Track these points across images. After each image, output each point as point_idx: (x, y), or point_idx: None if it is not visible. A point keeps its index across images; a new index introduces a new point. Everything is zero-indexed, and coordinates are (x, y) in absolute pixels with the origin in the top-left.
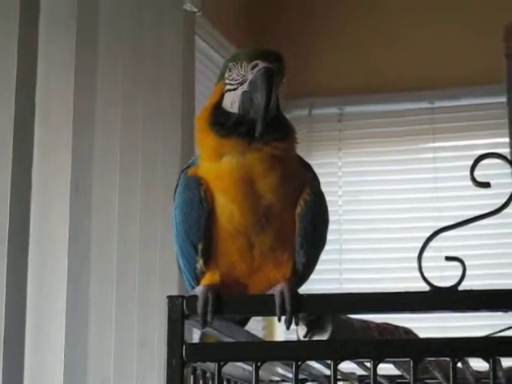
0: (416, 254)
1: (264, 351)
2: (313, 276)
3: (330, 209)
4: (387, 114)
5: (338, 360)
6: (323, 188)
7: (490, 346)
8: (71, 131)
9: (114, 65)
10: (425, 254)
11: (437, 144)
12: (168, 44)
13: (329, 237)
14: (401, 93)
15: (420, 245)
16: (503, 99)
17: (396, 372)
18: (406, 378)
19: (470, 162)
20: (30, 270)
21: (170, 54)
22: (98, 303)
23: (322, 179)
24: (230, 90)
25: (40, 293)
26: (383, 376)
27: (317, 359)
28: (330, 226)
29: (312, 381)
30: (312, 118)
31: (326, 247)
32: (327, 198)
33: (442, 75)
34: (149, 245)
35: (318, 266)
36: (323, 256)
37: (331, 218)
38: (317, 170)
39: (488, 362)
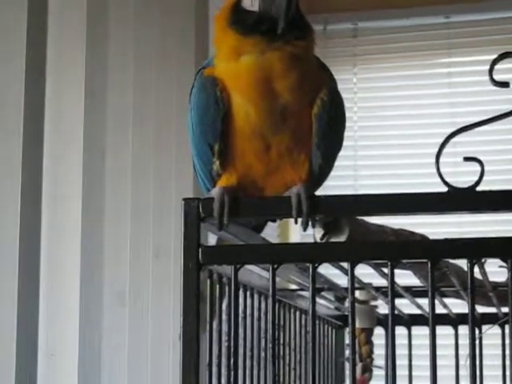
0: (431, 163)
1: (280, 253)
2: (327, 183)
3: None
4: (402, 29)
5: (355, 261)
6: None
7: (508, 246)
8: (84, 47)
9: None
10: (441, 159)
11: (452, 59)
12: None
13: (344, 153)
14: (416, 7)
15: (436, 151)
16: None
17: (412, 282)
18: (421, 287)
19: (486, 78)
20: (45, 179)
21: None
22: (112, 213)
23: None
24: None
25: (54, 205)
26: (401, 288)
27: (334, 261)
28: (345, 143)
29: (329, 289)
30: (327, 34)
31: (342, 163)
32: None
33: None
34: (164, 150)
35: (333, 174)
36: (339, 169)
37: (346, 133)
38: None
39: (506, 262)
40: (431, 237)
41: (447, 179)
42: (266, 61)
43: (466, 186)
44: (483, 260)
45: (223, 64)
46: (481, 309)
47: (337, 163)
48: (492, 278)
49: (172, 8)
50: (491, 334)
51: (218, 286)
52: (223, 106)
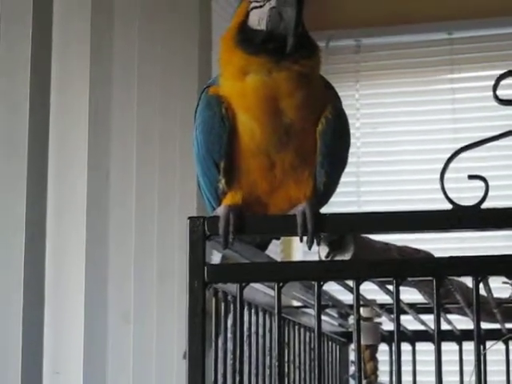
0: (434, 179)
1: (286, 271)
2: (330, 199)
3: None
4: (405, 45)
5: (361, 279)
6: None
7: None
8: (89, 64)
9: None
10: (445, 176)
11: (455, 75)
12: None
13: (347, 169)
14: (419, 24)
15: (439, 168)
16: None
17: (415, 298)
18: (425, 304)
19: (489, 93)
20: (49, 196)
21: None
22: (117, 232)
23: None
24: (256, 8)
25: (59, 224)
26: (405, 304)
27: (339, 279)
28: (349, 159)
29: (333, 306)
30: (329, 50)
31: (344, 179)
32: None
33: (460, 5)
34: (168, 171)
35: (336, 194)
36: (341, 185)
37: (349, 150)
38: None
39: (511, 279)
40: (435, 252)
41: (451, 195)
42: (273, 80)
43: (470, 201)
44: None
45: (229, 82)
46: (485, 325)
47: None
48: (496, 294)
49: (176, 25)
50: (495, 350)
51: (223, 303)
52: (228, 124)
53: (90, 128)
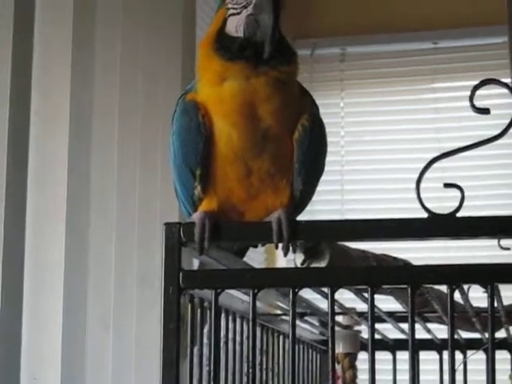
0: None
1: (261, 278)
2: (314, 207)
3: (331, 149)
4: (390, 54)
5: (335, 287)
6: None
7: (489, 273)
8: (70, 67)
9: (114, 1)
10: (425, 185)
11: (438, 85)
12: None
13: (331, 177)
14: (403, 33)
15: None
16: (505, 39)
17: (396, 306)
18: (406, 312)
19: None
20: (29, 198)
21: None
22: (97, 238)
23: (324, 120)
24: (233, 15)
25: (38, 227)
26: (385, 313)
27: (314, 286)
28: (332, 167)
29: (311, 315)
30: (314, 59)
31: (328, 187)
32: (329, 139)
33: (445, 15)
34: (149, 177)
35: (320, 198)
36: (325, 193)
37: (333, 158)
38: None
39: (486, 288)
40: (414, 261)
41: (433, 204)
42: (250, 86)
43: (450, 210)
44: (467, 286)
45: (207, 89)
46: (466, 334)
47: (323, 187)
48: (476, 304)
49: (159, 29)
50: (476, 360)
51: (199, 310)
52: (205, 131)
53: (70, 131)
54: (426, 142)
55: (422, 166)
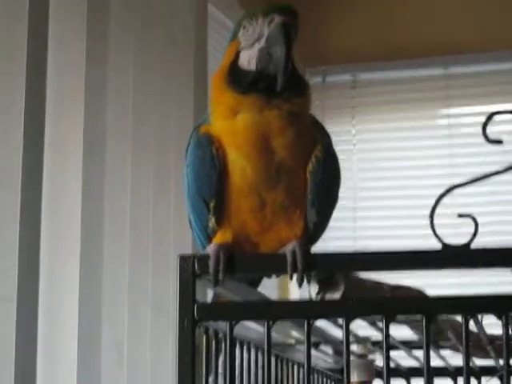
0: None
1: (275, 310)
2: (326, 234)
3: (344, 176)
4: (401, 80)
5: (350, 318)
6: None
7: (503, 303)
8: (83, 96)
9: (126, 31)
10: (440, 212)
11: (451, 110)
12: (180, 10)
13: (343, 204)
14: (415, 59)
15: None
16: None
17: (409, 334)
18: (420, 343)
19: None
20: (43, 232)
21: (182, 20)
22: (111, 268)
23: (335, 147)
24: (245, 48)
25: (53, 255)
26: (399, 342)
27: (328, 317)
28: (345, 194)
29: (326, 343)
30: (326, 85)
31: (341, 214)
32: (341, 166)
33: (456, 41)
34: (162, 206)
35: (332, 225)
36: (338, 220)
37: (346, 185)
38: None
39: (500, 319)
40: (427, 288)
41: (448, 232)
42: (263, 118)
43: (467, 238)
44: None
45: (220, 122)
46: (480, 361)
47: (336, 214)
48: (489, 329)
49: (171, 57)
50: None
51: (213, 341)
52: (219, 163)
53: (84, 158)
54: (440, 168)
55: (435, 192)
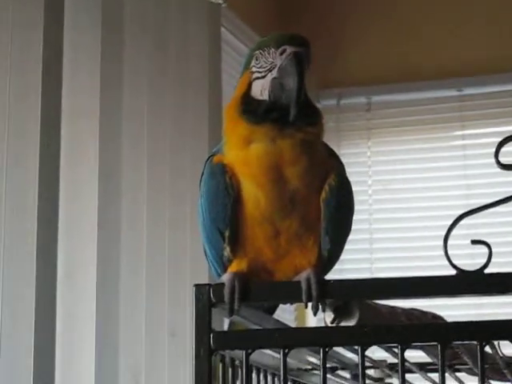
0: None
1: (291, 338)
2: (343, 266)
3: (359, 198)
4: (415, 102)
5: (366, 345)
6: (353, 178)
7: None
8: (98, 122)
9: (140, 58)
10: (456, 240)
11: (466, 131)
12: (194, 36)
13: (359, 226)
14: (429, 81)
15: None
16: None
17: (426, 359)
18: (436, 365)
19: (500, 149)
20: (60, 258)
21: (195, 46)
22: (128, 296)
23: (351, 169)
24: (258, 78)
25: (69, 282)
26: (414, 364)
27: (344, 345)
28: (361, 216)
29: (342, 369)
30: (341, 108)
31: (357, 236)
32: (357, 188)
33: (469, 62)
34: (178, 234)
35: (349, 256)
36: (354, 245)
37: (361, 207)
38: (346, 160)
39: None
40: (442, 312)
41: (464, 258)
42: (277, 148)
43: (478, 265)
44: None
45: (233, 151)
46: None
47: (351, 237)
48: (506, 350)
49: (186, 83)
50: None
51: (230, 369)
52: (233, 193)
53: (99, 189)
54: (455, 189)
55: (450, 213)
